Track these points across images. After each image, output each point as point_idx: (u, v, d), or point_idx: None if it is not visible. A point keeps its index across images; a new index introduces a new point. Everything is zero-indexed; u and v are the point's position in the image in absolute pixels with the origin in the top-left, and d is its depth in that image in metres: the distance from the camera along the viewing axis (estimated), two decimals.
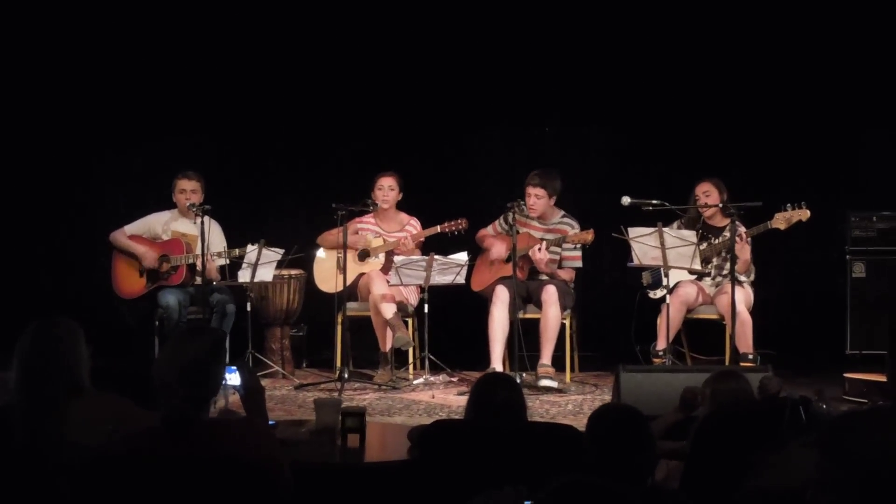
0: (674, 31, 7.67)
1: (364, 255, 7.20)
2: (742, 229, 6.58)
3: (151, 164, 7.87)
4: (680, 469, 3.44)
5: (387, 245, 7.15)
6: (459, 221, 7.01)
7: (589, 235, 6.83)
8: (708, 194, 6.79)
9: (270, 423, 3.92)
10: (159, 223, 7.14)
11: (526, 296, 7.01)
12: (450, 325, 7.25)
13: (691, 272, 6.71)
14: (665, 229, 6.42)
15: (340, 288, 6.82)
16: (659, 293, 6.83)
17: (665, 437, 3.71)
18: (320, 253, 7.27)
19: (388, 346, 6.89)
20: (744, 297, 6.60)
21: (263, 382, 5.86)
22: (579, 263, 7.07)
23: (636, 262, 6.58)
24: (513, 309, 6.64)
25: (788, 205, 6.49)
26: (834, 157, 7.61)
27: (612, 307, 7.59)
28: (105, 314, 6.97)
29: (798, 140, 7.66)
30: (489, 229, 7.27)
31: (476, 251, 7.24)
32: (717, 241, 6.82)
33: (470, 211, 7.24)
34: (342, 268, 6.80)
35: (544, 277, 7.02)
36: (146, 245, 7.04)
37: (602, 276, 7.71)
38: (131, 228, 7.11)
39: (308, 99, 8.04)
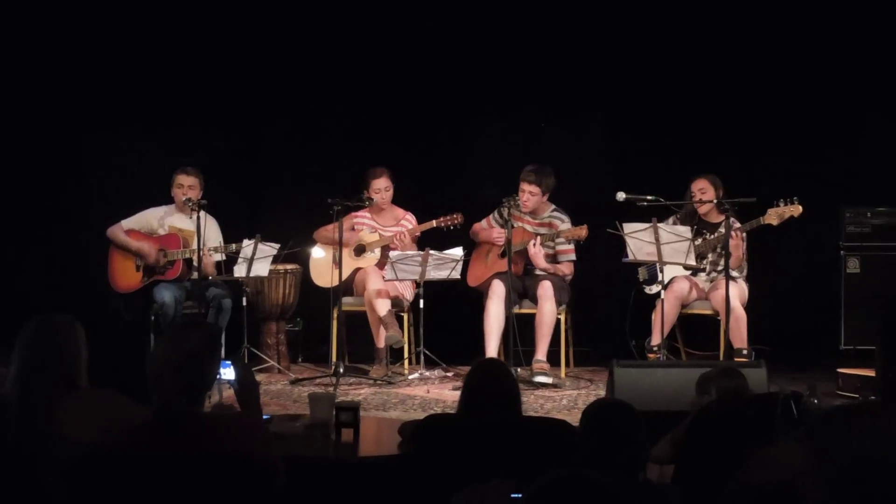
0: (668, 26, 7.67)
1: (360, 250, 7.21)
2: (737, 225, 6.60)
3: (147, 158, 7.86)
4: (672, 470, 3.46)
5: (383, 240, 7.16)
6: (455, 216, 7.02)
7: (583, 231, 6.84)
8: (703, 191, 6.81)
9: (265, 417, 3.94)
10: (156, 218, 7.14)
11: (521, 291, 7.03)
12: (445, 320, 7.26)
13: (686, 268, 6.73)
14: (660, 225, 6.43)
15: (336, 283, 6.83)
16: (655, 289, 6.85)
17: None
18: (316, 250, 7.28)
19: (383, 341, 6.90)
20: (738, 292, 6.61)
21: (259, 377, 5.90)
22: (573, 256, 7.08)
23: (631, 257, 6.60)
24: (508, 304, 6.66)
25: (781, 200, 6.51)
26: (828, 153, 7.62)
27: (607, 302, 7.61)
28: (100, 308, 6.96)
29: (792, 135, 7.66)
30: (483, 223, 7.28)
31: (471, 246, 7.26)
32: (711, 237, 6.84)
33: (465, 205, 7.25)
34: (338, 263, 6.80)
35: (539, 272, 7.03)
36: (144, 240, 7.04)
37: (597, 272, 7.72)
38: (128, 223, 7.12)
39: (304, 93, 8.04)
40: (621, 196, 6.61)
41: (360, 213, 7.27)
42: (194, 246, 6.74)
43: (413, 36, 7.87)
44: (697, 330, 7.12)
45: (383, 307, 6.83)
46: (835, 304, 7.25)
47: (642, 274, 7.00)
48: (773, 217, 6.55)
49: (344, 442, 4.00)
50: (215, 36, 7.88)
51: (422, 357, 6.88)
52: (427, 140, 8.01)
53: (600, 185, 7.35)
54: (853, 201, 7.32)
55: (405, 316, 7.15)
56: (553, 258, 7.07)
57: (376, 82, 7.97)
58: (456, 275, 6.93)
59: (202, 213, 6.67)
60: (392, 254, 6.87)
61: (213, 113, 7.97)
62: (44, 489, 2.91)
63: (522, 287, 7.03)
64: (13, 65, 7.92)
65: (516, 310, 6.78)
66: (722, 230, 6.51)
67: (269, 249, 6.79)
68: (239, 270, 6.83)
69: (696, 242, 6.72)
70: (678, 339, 7.16)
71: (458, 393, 3.95)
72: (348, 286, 7.07)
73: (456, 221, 7.02)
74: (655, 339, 6.73)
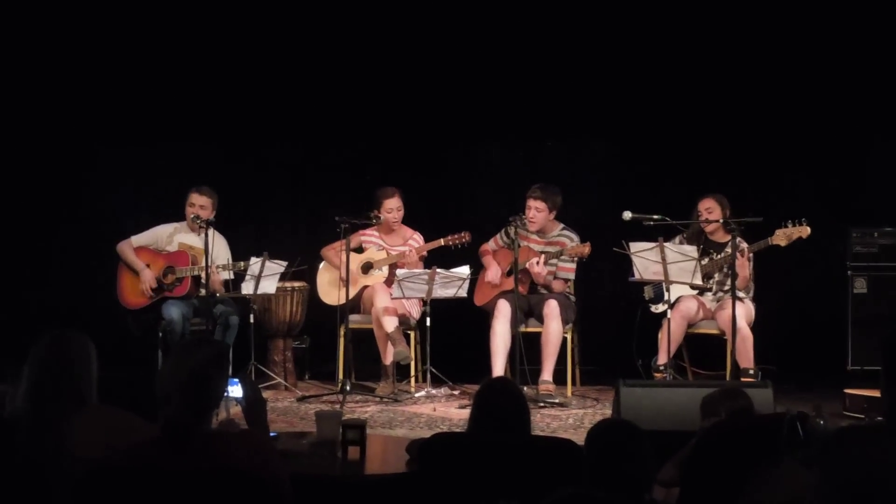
0: (675, 46, 7.70)
1: (367, 267, 7.23)
2: (744, 245, 6.61)
3: (157, 175, 7.90)
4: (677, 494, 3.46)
5: (390, 258, 7.18)
6: (463, 235, 7.05)
7: (586, 249, 6.86)
8: (710, 210, 6.82)
9: (272, 434, 3.95)
10: (166, 234, 7.17)
11: (528, 310, 7.04)
12: (452, 338, 7.26)
13: (692, 287, 6.73)
14: (666, 244, 6.44)
15: (343, 300, 6.85)
16: (661, 308, 6.85)
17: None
18: (322, 267, 7.31)
19: (390, 359, 6.91)
20: (745, 312, 6.62)
21: (265, 394, 5.91)
22: (572, 275, 7.10)
23: (637, 276, 6.60)
24: (514, 323, 6.67)
25: (789, 221, 6.52)
26: (835, 173, 7.63)
27: (614, 321, 7.60)
28: (109, 324, 6.99)
29: (800, 155, 7.68)
30: (491, 243, 7.30)
31: (478, 265, 7.27)
32: (718, 257, 6.84)
33: (471, 224, 7.27)
34: (345, 280, 6.83)
35: (545, 291, 7.04)
36: (150, 259, 7.06)
37: (603, 291, 7.72)
38: (138, 239, 7.15)
39: (313, 112, 8.07)
40: (627, 215, 6.62)
41: (367, 231, 7.29)
42: (203, 263, 6.77)
43: (420, 57, 7.91)
44: (704, 349, 7.12)
45: (391, 324, 6.85)
46: (842, 325, 7.24)
47: (648, 293, 7.01)
48: (781, 238, 6.56)
49: (350, 460, 4.01)
50: (227, 54, 7.93)
51: (428, 375, 6.89)
52: (434, 159, 8.04)
53: (607, 205, 7.37)
54: (860, 221, 7.32)
55: (412, 334, 7.16)
56: (555, 275, 7.08)
57: (385, 102, 8.00)
58: (462, 293, 6.95)
59: (211, 231, 6.71)
60: (399, 272, 6.89)
61: (224, 131, 8.01)
62: None
63: (528, 306, 7.04)
64: (26, 79, 7.95)
65: (522, 329, 6.79)
66: (728, 250, 6.52)
67: (276, 267, 6.82)
68: (247, 288, 6.85)
69: (703, 262, 6.73)
70: (685, 359, 7.16)
71: (464, 411, 3.97)
72: (355, 304, 7.09)
73: (463, 240, 7.05)
74: (662, 359, 6.73)
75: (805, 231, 6.52)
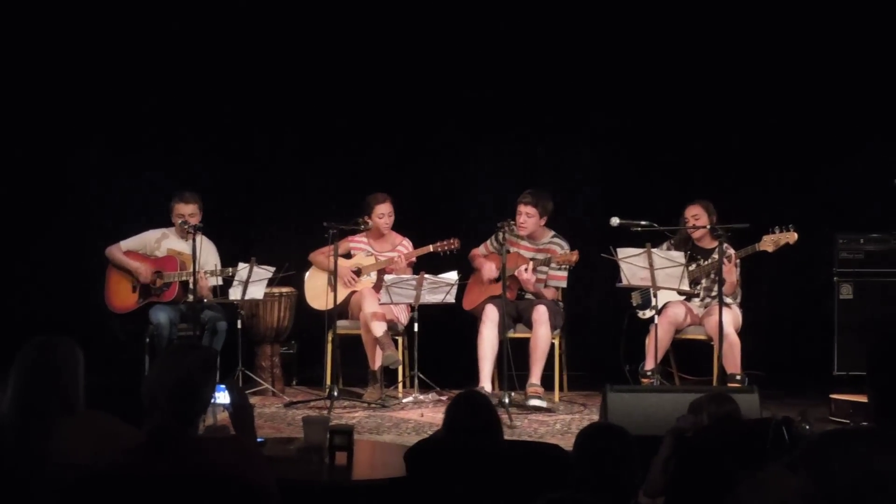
0: (664, 53, 7.73)
1: (356, 273, 7.23)
2: (731, 251, 6.63)
3: (144, 180, 7.88)
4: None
5: (378, 264, 7.18)
6: (451, 241, 7.06)
7: (574, 256, 6.87)
8: (697, 217, 6.84)
9: (259, 440, 3.94)
10: (154, 239, 7.16)
11: (516, 315, 7.05)
12: (439, 344, 7.27)
13: (680, 293, 6.75)
14: (654, 250, 6.46)
15: (331, 306, 6.85)
16: (648, 313, 6.87)
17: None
18: (310, 273, 7.31)
19: (378, 364, 6.91)
20: (732, 318, 6.64)
21: (253, 400, 5.91)
22: (564, 283, 7.12)
23: (625, 282, 6.62)
24: (502, 328, 6.67)
25: (776, 227, 6.55)
26: (822, 179, 7.66)
27: (601, 327, 7.62)
28: (96, 329, 6.97)
29: (786, 161, 7.71)
30: (481, 249, 7.30)
31: (468, 270, 7.28)
32: (705, 263, 6.86)
33: (460, 230, 7.29)
34: (333, 286, 6.82)
35: (530, 297, 7.06)
36: (141, 261, 7.06)
37: (591, 296, 7.74)
38: (127, 244, 7.13)
39: (301, 117, 8.07)
40: (615, 221, 6.64)
41: (356, 236, 7.29)
42: (191, 268, 6.76)
43: (409, 62, 7.91)
44: (691, 355, 7.14)
45: (379, 329, 6.85)
46: (828, 330, 7.26)
47: (636, 298, 7.02)
48: (768, 244, 6.58)
49: (338, 465, 4.01)
50: (213, 59, 7.92)
51: (416, 381, 6.89)
52: (423, 164, 8.05)
53: (594, 211, 7.39)
54: (846, 227, 7.36)
55: (400, 339, 7.16)
56: (545, 283, 7.10)
57: (373, 108, 8.01)
58: (450, 299, 6.96)
59: (200, 236, 6.70)
60: (387, 277, 6.89)
61: (211, 136, 8.00)
62: None
63: (516, 311, 7.05)
64: (11, 83, 7.93)
65: (510, 334, 6.80)
66: (716, 256, 6.54)
67: (264, 272, 6.81)
68: (234, 293, 6.84)
69: (691, 268, 6.75)
70: (672, 364, 7.18)
71: None
72: (343, 309, 7.09)
73: (452, 246, 7.06)
74: (649, 364, 6.74)
75: (792, 237, 6.55)
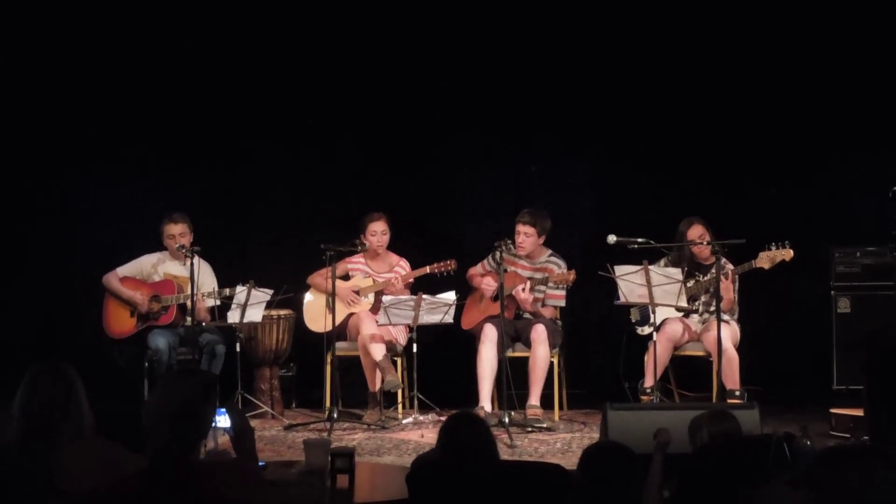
0: (657, 70, 7.75)
1: (356, 293, 7.23)
2: (729, 267, 6.64)
3: (139, 203, 7.87)
4: None
5: (376, 285, 7.19)
6: (448, 262, 7.07)
7: (570, 276, 6.88)
8: (703, 237, 6.82)
9: (260, 464, 3.94)
10: (150, 264, 7.17)
11: (514, 334, 7.05)
12: (438, 364, 7.27)
13: (678, 309, 6.76)
14: (651, 267, 6.47)
15: (329, 328, 6.85)
16: (647, 330, 6.87)
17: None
18: (308, 295, 7.32)
19: (377, 385, 6.91)
20: (730, 333, 6.64)
21: (253, 423, 5.89)
22: (562, 302, 7.13)
23: (622, 299, 6.63)
24: (501, 347, 6.67)
25: (773, 244, 6.56)
26: (818, 193, 7.68)
27: (600, 345, 7.62)
28: (94, 355, 6.96)
29: (782, 176, 7.72)
30: (479, 268, 7.31)
31: (466, 290, 7.28)
32: (704, 279, 6.87)
33: (456, 249, 7.30)
34: (331, 308, 6.82)
35: (528, 316, 7.06)
36: (137, 288, 7.06)
37: (589, 314, 7.74)
38: (123, 270, 7.14)
39: (297, 139, 8.08)
40: (612, 239, 6.64)
41: (353, 258, 7.30)
42: (188, 291, 6.77)
43: (406, 83, 7.93)
44: (690, 371, 7.14)
45: (378, 352, 6.85)
46: (826, 344, 7.27)
47: (634, 315, 7.03)
48: (764, 261, 6.60)
49: (339, 488, 4.00)
50: (207, 79, 7.91)
51: (415, 401, 6.88)
52: (419, 185, 8.06)
53: (591, 229, 7.41)
54: (842, 241, 7.37)
55: (398, 360, 7.16)
56: (542, 302, 7.10)
57: (370, 129, 8.02)
58: (449, 319, 6.96)
59: (196, 259, 6.70)
60: (385, 298, 6.89)
61: (206, 157, 7.99)
62: None
63: (515, 331, 7.06)
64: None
65: (509, 353, 6.80)
66: (713, 272, 6.55)
67: (262, 295, 6.81)
68: (233, 316, 6.84)
69: (689, 284, 6.76)
70: (671, 381, 7.18)
71: None
72: (342, 331, 7.09)
73: (449, 268, 7.07)
74: (648, 381, 6.74)
75: (788, 254, 6.56)
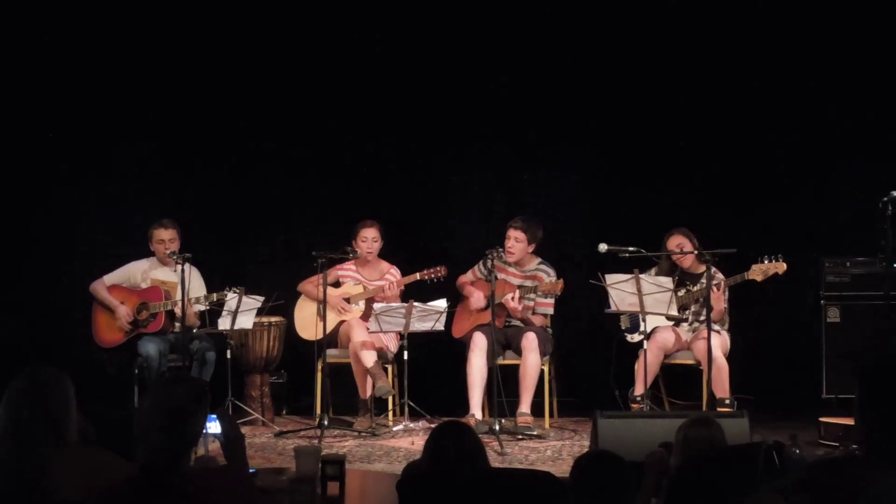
0: (647, 80, 7.77)
1: (346, 300, 7.23)
2: (720, 276, 6.66)
3: (129, 209, 7.84)
4: None
5: (367, 293, 7.19)
6: (438, 269, 7.08)
7: (559, 286, 6.89)
8: (681, 246, 6.86)
9: (250, 471, 3.93)
10: (139, 271, 7.16)
11: (505, 342, 7.06)
12: (429, 371, 7.27)
13: (668, 318, 6.78)
14: (642, 276, 6.49)
15: (320, 335, 6.85)
16: (637, 337, 6.89)
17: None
18: (301, 302, 7.33)
19: (368, 393, 6.92)
20: (720, 342, 6.66)
21: (243, 430, 5.87)
22: (551, 310, 7.15)
23: (613, 308, 6.64)
24: (491, 355, 6.68)
25: (765, 257, 6.58)
26: (807, 203, 7.70)
27: (591, 353, 7.63)
28: (84, 362, 6.95)
29: (771, 185, 7.74)
30: (469, 275, 7.32)
31: (456, 298, 7.29)
32: (695, 289, 6.89)
33: (448, 257, 7.31)
34: (322, 315, 6.82)
35: (519, 324, 7.08)
36: (124, 296, 7.05)
37: (580, 323, 7.75)
38: (111, 278, 7.13)
39: (288, 146, 8.08)
40: (603, 247, 6.65)
41: (344, 265, 7.30)
42: (176, 297, 6.77)
43: (396, 90, 7.94)
44: (680, 380, 7.15)
45: (370, 358, 6.85)
46: (816, 354, 7.29)
47: (624, 322, 7.05)
48: (757, 273, 6.61)
49: (330, 495, 4.00)
50: (196, 85, 7.87)
51: (406, 409, 6.88)
52: (410, 192, 8.06)
53: (582, 237, 7.42)
54: (832, 251, 7.40)
55: (389, 367, 7.16)
56: (533, 310, 7.12)
57: (361, 135, 8.02)
58: (440, 326, 6.96)
59: (186, 265, 6.70)
60: (376, 305, 6.90)
61: (196, 165, 7.98)
62: None
63: (505, 338, 7.07)
64: None
65: (500, 361, 6.80)
66: (704, 281, 6.56)
67: (253, 302, 6.82)
68: (223, 323, 6.84)
69: (680, 293, 6.78)
70: (661, 390, 7.19)
71: None
72: (332, 338, 7.09)
73: (440, 274, 7.08)
74: (638, 390, 6.76)
75: (781, 267, 6.58)
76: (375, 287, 7.21)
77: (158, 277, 7.11)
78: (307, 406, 7.44)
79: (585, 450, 5.79)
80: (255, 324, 7.02)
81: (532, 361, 6.86)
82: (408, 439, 6.56)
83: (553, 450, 6.32)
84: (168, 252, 6.96)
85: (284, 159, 8.10)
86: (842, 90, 7.57)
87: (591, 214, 7.94)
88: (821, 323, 7.31)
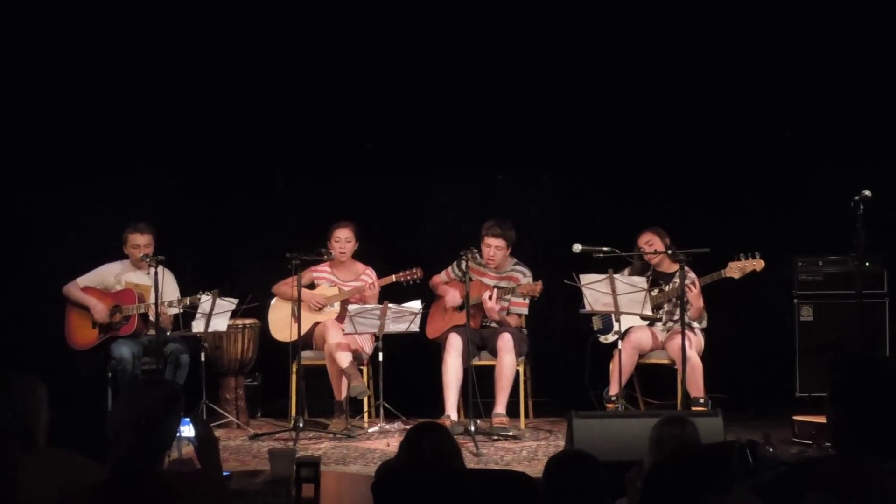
0: (620, 81, 7.80)
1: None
2: (692, 275, 6.68)
3: (102, 211, 7.79)
4: None
5: (342, 294, 7.18)
6: (414, 271, 7.07)
7: (537, 287, 6.90)
8: (650, 244, 6.89)
9: (225, 474, 3.92)
10: (112, 274, 7.12)
11: (480, 343, 7.06)
12: (404, 373, 7.27)
13: (643, 318, 6.80)
14: (616, 276, 6.51)
15: (295, 337, 6.83)
16: (611, 338, 6.91)
17: None
18: (275, 304, 7.30)
19: (344, 394, 6.90)
20: (694, 342, 6.69)
21: (218, 433, 5.85)
22: (525, 310, 7.16)
23: (588, 308, 6.66)
24: (466, 356, 6.68)
25: (742, 254, 6.61)
26: (779, 201, 7.75)
27: (566, 353, 7.65)
28: (57, 366, 6.89)
29: (744, 185, 7.79)
30: (442, 275, 7.32)
31: (430, 299, 7.29)
32: (668, 288, 6.92)
33: (422, 257, 7.31)
34: (297, 317, 6.81)
35: (494, 325, 7.08)
36: (98, 297, 7.01)
37: (554, 323, 7.77)
38: (84, 280, 7.09)
39: (263, 146, 8.06)
40: (577, 248, 6.66)
41: (319, 266, 7.29)
42: (149, 300, 6.74)
43: (370, 93, 7.93)
44: (655, 379, 7.17)
45: (345, 359, 6.84)
46: (789, 352, 7.34)
47: (597, 323, 7.06)
48: (734, 271, 6.64)
49: (304, 497, 3.99)
50: (171, 87, 7.84)
51: (381, 410, 6.88)
52: (384, 193, 8.05)
53: (556, 237, 7.44)
54: (805, 250, 7.45)
55: (364, 369, 7.15)
56: (507, 311, 7.13)
57: (335, 138, 8.01)
58: (415, 328, 6.96)
59: (160, 269, 6.66)
60: (351, 307, 6.89)
61: (170, 167, 7.94)
62: None
63: (481, 339, 7.07)
64: None
65: (475, 362, 6.81)
66: (677, 280, 6.59)
67: (227, 304, 6.79)
68: (197, 326, 6.81)
69: (654, 293, 6.80)
70: (636, 389, 7.21)
71: None
72: (307, 340, 7.07)
73: (415, 276, 7.07)
74: (613, 389, 6.77)
75: (759, 264, 6.61)
76: (351, 288, 7.20)
77: (132, 280, 7.07)
78: (282, 408, 7.42)
79: (561, 450, 5.80)
80: (229, 326, 6.99)
81: (507, 362, 6.87)
82: (383, 441, 6.55)
83: (528, 450, 6.33)
84: (141, 255, 6.93)
85: (258, 160, 8.07)
86: (814, 92, 7.62)
87: (564, 215, 7.96)
88: (794, 321, 7.36)
